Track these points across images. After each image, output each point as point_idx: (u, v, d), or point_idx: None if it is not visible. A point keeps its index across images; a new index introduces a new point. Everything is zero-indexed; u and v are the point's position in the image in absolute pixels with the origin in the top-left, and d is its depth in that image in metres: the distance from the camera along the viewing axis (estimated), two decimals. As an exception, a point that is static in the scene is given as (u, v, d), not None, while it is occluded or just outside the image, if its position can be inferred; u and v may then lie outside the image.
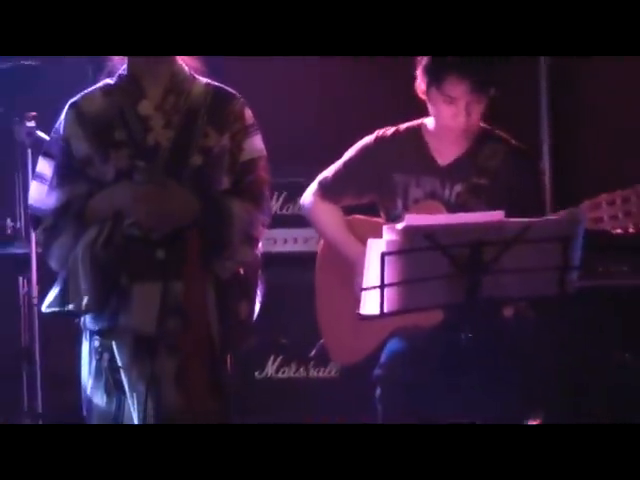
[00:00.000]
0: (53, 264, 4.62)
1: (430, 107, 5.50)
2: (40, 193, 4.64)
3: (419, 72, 5.47)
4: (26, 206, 5.41)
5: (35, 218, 4.70)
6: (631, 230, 4.93)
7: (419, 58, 5.53)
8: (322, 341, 5.84)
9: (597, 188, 5.17)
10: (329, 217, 5.66)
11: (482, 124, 5.56)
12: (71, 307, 4.47)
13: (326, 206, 5.65)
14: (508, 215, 4.78)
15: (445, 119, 5.41)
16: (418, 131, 5.61)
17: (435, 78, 5.37)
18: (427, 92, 5.44)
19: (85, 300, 4.43)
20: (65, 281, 4.50)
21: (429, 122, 5.56)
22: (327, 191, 5.63)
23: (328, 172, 5.67)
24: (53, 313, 4.57)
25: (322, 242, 5.80)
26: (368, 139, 5.65)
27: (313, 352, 5.92)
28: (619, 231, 4.93)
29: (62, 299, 4.48)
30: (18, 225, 5.99)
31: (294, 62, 7.02)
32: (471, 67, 5.37)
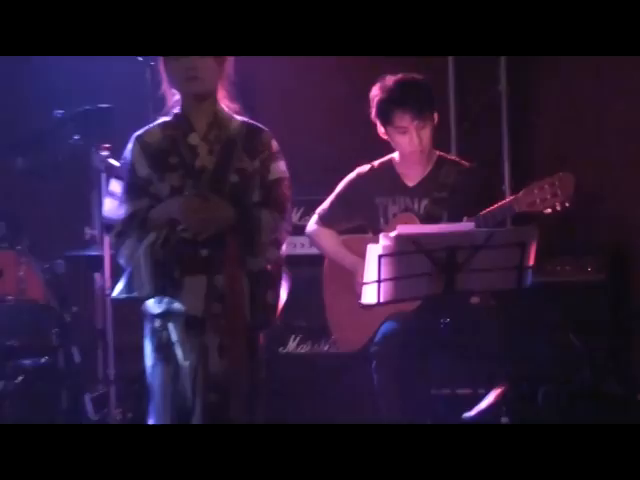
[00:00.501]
0: (122, 261, 4.60)
1: (392, 142, 5.51)
2: (112, 207, 4.62)
3: (374, 118, 5.52)
4: (100, 217, 5.37)
5: (108, 226, 4.71)
6: (558, 208, 4.96)
7: (372, 100, 5.55)
8: (333, 337, 5.90)
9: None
10: (328, 239, 5.69)
11: (438, 152, 5.58)
12: (135, 294, 4.52)
13: (325, 231, 5.68)
14: (466, 216, 5.07)
15: (404, 147, 5.43)
16: (389, 163, 5.62)
17: (386, 117, 5.42)
18: (386, 131, 5.48)
19: (146, 289, 4.48)
20: (131, 274, 4.53)
21: (396, 155, 5.57)
22: (325, 220, 5.66)
23: (324, 205, 5.71)
24: (121, 300, 4.62)
25: (326, 260, 5.78)
26: (351, 176, 5.68)
27: (327, 347, 6.10)
28: (549, 210, 4.97)
29: (129, 288, 4.52)
30: (95, 233, 5.87)
31: (309, 92, 6.84)
32: (410, 99, 5.41)
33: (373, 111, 5.49)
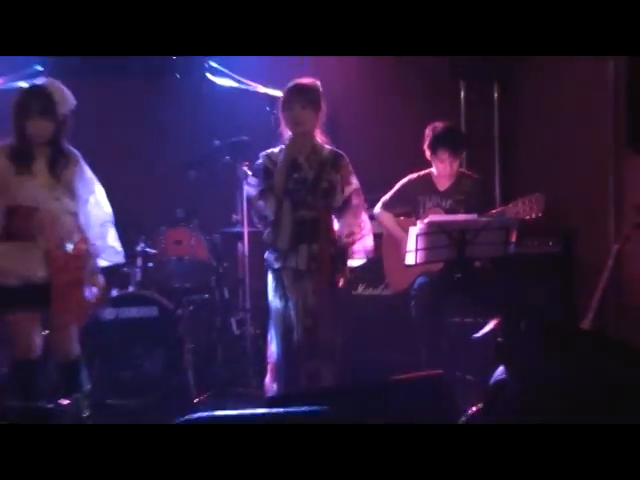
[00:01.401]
0: (267, 213, 4.46)
1: (433, 164, 5.40)
2: (250, 189, 4.77)
3: (426, 147, 5.37)
4: (242, 208, 5.56)
5: (249, 198, 4.80)
6: (533, 217, 4.90)
7: (426, 136, 5.41)
8: (386, 282, 5.82)
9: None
10: (387, 219, 5.54)
11: (460, 169, 5.48)
12: (278, 246, 4.46)
13: (386, 214, 5.54)
14: (476, 212, 4.93)
15: (440, 170, 5.38)
16: (429, 174, 5.46)
17: (433, 150, 5.33)
18: (431, 157, 5.38)
19: (285, 244, 4.40)
20: (275, 232, 4.47)
21: (434, 170, 5.42)
22: (386, 206, 5.53)
23: (386, 197, 5.53)
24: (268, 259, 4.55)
25: (384, 232, 5.58)
26: (404, 180, 5.50)
27: (382, 291, 5.90)
28: (528, 217, 4.91)
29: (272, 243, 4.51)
30: (238, 217, 5.70)
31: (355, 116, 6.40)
32: (450, 143, 5.33)
33: (426, 144, 5.38)
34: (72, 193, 4.25)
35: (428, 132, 5.44)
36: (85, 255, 4.25)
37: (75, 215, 4.25)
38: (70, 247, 4.19)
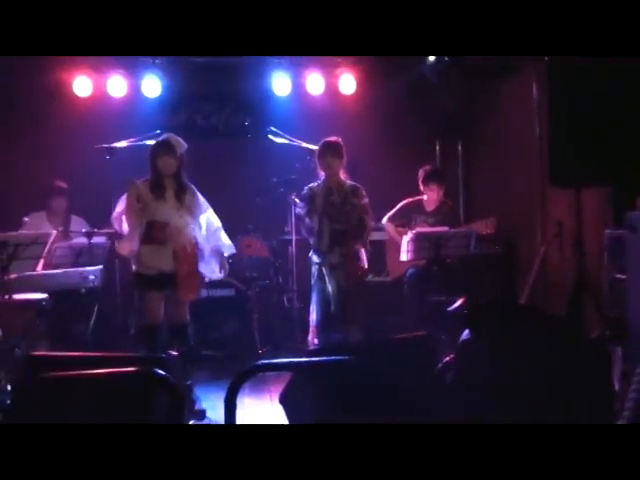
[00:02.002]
0: (307, 226, 4.53)
1: (424, 192, 5.33)
2: (299, 210, 4.65)
3: (420, 181, 5.31)
4: (291, 223, 5.53)
5: (299, 215, 4.70)
6: (488, 232, 4.93)
7: (419, 174, 5.32)
8: (387, 271, 5.67)
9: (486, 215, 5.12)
10: (390, 228, 5.37)
11: (442, 198, 5.38)
12: (320, 249, 4.46)
13: (389, 224, 5.38)
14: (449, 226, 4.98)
15: (429, 196, 5.31)
16: (421, 199, 5.37)
17: (425, 184, 5.31)
18: (423, 188, 5.32)
19: (325, 246, 4.43)
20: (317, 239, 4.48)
21: (424, 197, 5.34)
22: (389, 219, 5.37)
23: (390, 213, 5.36)
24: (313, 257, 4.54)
25: (388, 236, 5.47)
26: (403, 202, 5.36)
27: (385, 277, 5.78)
28: (484, 233, 4.92)
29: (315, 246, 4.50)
30: (289, 229, 5.68)
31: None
32: (437, 179, 5.31)
33: (420, 180, 5.33)
34: (190, 212, 4.23)
35: (421, 172, 5.40)
36: (197, 254, 4.24)
37: (192, 228, 4.24)
38: (189, 249, 4.19)
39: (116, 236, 4.49)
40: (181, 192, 4.21)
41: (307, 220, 4.51)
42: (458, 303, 4.83)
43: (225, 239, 4.44)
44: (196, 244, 4.23)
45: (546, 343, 2.22)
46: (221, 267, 4.36)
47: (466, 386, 2.18)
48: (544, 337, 2.25)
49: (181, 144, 4.22)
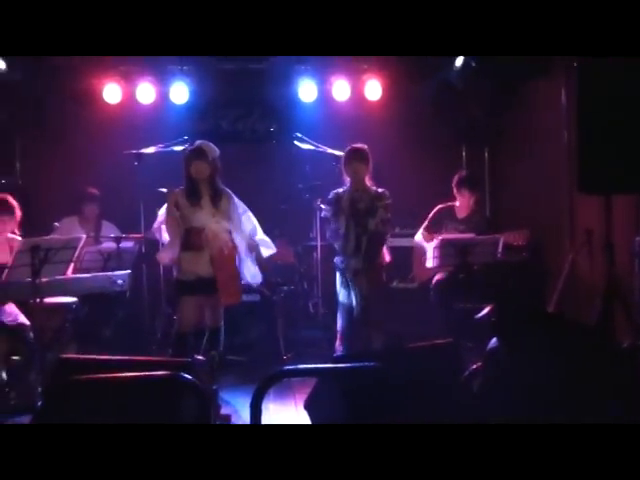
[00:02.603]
0: (334, 241, 4.55)
1: (457, 198, 5.26)
2: (326, 213, 4.62)
3: (455, 185, 5.25)
4: (316, 229, 5.54)
5: (324, 219, 4.71)
6: (520, 243, 4.89)
7: (454, 179, 5.26)
8: (413, 276, 5.55)
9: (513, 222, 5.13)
10: (420, 237, 5.23)
11: (474, 206, 5.31)
12: (344, 253, 4.44)
13: (420, 234, 5.24)
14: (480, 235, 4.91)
15: (461, 203, 5.26)
16: (452, 205, 5.29)
17: (458, 189, 5.25)
18: (456, 193, 5.25)
19: (351, 249, 4.41)
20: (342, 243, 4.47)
21: (457, 203, 5.27)
22: (425, 229, 5.21)
23: (425, 224, 5.25)
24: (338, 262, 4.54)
25: (415, 241, 5.30)
26: (435, 209, 5.28)
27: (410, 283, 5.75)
28: (516, 244, 4.88)
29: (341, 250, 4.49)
30: (313, 235, 5.72)
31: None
32: (470, 185, 5.26)
33: (454, 185, 5.27)
34: (227, 217, 4.26)
35: (456, 177, 5.35)
36: (235, 258, 4.27)
37: (229, 232, 4.26)
38: (227, 253, 4.22)
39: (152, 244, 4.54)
40: (216, 197, 4.25)
41: (333, 223, 4.50)
42: (486, 311, 4.71)
43: (265, 240, 4.46)
44: (235, 248, 4.26)
45: (576, 352, 2.19)
46: (261, 270, 4.38)
47: (494, 394, 2.14)
48: (574, 346, 2.22)
49: (213, 149, 4.26)
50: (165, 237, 4.27)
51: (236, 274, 4.28)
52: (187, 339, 4.27)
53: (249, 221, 4.40)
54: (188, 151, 4.31)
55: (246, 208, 4.40)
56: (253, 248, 4.37)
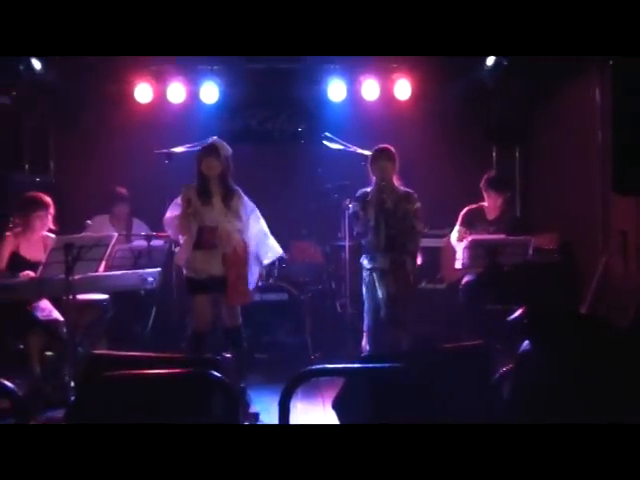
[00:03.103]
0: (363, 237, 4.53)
1: (486, 199, 5.22)
2: (353, 210, 4.60)
3: (482, 187, 5.22)
4: (345, 229, 5.47)
5: (352, 214, 4.68)
6: (551, 247, 4.87)
7: (482, 184, 5.21)
8: (441, 276, 5.58)
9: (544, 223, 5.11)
10: (453, 235, 5.12)
11: (505, 207, 5.27)
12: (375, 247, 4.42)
13: (451, 236, 5.15)
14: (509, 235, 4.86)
15: (490, 204, 5.21)
16: (482, 206, 5.24)
17: (486, 189, 5.20)
18: (484, 193, 5.21)
19: (382, 246, 4.38)
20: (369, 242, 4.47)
21: (485, 204, 5.21)
22: (458, 231, 5.07)
23: (457, 227, 5.19)
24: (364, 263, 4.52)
25: (451, 242, 5.17)
26: (465, 209, 5.22)
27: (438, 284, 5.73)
28: (546, 247, 4.87)
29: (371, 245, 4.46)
30: (341, 235, 5.66)
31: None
32: (499, 186, 5.21)
33: (482, 186, 5.23)
34: (238, 216, 4.23)
35: (484, 179, 5.30)
36: (247, 257, 4.26)
37: (240, 231, 4.24)
38: (239, 252, 4.20)
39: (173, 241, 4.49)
40: (227, 196, 4.22)
41: (362, 217, 4.46)
42: (518, 313, 4.71)
43: (272, 243, 4.42)
44: (246, 247, 4.24)
45: (610, 355, 2.16)
46: (259, 276, 4.33)
47: (526, 397, 2.12)
48: (608, 349, 2.18)
49: (225, 148, 4.23)
50: (177, 233, 4.23)
51: (246, 274, 4.25)
52: (204, 338, 4.26)
53: (257, 223, 4.35)
54: (200, 148, 4.29)
55: (254, 207, 4.35)
56: (255, 253, 4.32)
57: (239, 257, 4.19)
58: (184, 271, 4.28)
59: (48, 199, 4.53)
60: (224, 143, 4.27)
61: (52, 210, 4.53)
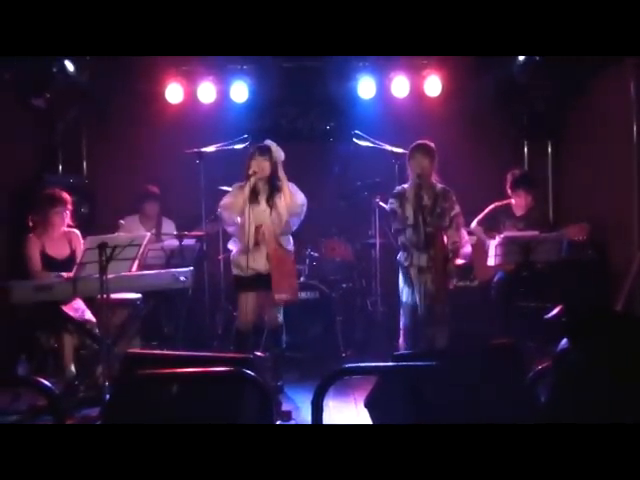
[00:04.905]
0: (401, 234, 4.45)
1: (512, 197, 5.19)
2: (392, 213, 4.48)
3: (508, 187, 5.19)
4: (375, 226, 5.44)
5: (390, 222, 4.59)
6: (581, 238, 4.78)
7: (507, 179, 5.20)
8: (474, 275, 5.51)
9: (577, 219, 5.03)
10: (479, 231, 5.19)
11: (532, 203, 5.20)
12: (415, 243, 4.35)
13: (478, 228, 5.20)
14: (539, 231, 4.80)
15: (517, 202, 5.19)
16: (509, 203, 5.22)
17: (513, 189, 5.17)
18: (511, 193, 5.19)
19: (422, 244, 4.33)
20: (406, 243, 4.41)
21: (513, 201, 5.19)
22: (479, 223, 5.20)
23: (479, 217, 5.21)
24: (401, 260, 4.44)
25: (476, 240, 5.19)
26: (491, 206, 5.23)
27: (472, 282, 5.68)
28: (576, 239, 4.79)
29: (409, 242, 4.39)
30: (372, 232, 5.61)
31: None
32: (525, 185, 5.17)
33: (508, 185, 5.22)
34: (283, 215, 4.30)
35: (509, 176, 5.28)
36: (291, 255, 4.35)
37: (284, 231, 4.33)
38: (283, 250, 4.29)
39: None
40: (273, 195, 4.29)
41: (400, 214, 4.42)
42: (556, 311, 4.63)
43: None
44: (288, 245, 4.30)
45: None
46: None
47: (566, 396, 2.09)
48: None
49: (278, 151, 4.33)
50: (228, 217, 4.28)
51: (292, 272, 4.32)
52: (248, 336, 4.31)
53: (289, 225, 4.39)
54: (254, 147, 4.36)
55: (301, 209, 4.37)
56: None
57: (283, 255, 4.27)
58: (233, 269, 4.38)
59: (65, 195, 4.56)
60: (278, 147, 4.37)
61: (70, 206, 4.58)
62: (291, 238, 4.47)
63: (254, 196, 4.26)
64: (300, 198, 4.35)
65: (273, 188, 4.30)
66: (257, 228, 4.24)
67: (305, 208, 4.38)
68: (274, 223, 4.27)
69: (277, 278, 4.23)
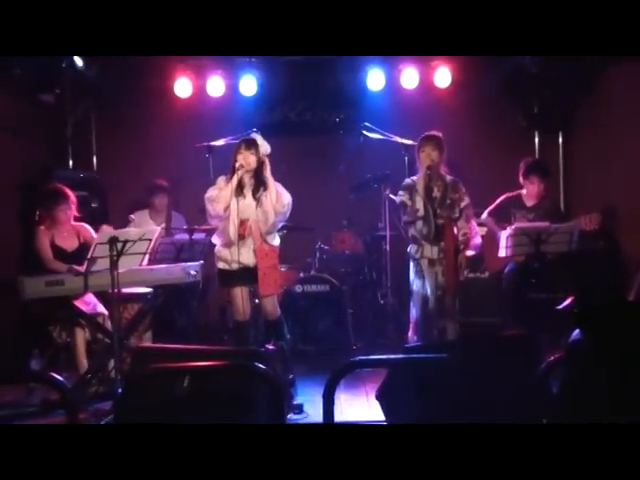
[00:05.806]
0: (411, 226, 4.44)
1: (524, 186, 5.14)
2: (402, 205, 4.45)
3: (521, 175, 5.14)
4: (385, 219, 5.43)
5: (400, 213, 4.56)
6: (592, 228, 4.75)
7: (520, 167, 5.15)
8: (485, 266, 5.47)
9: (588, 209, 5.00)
10: (490, 222, 5.13)
11: (543, 193, 5.16)
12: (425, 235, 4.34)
13: (488, 218, 5.14)
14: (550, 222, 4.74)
15: (529, 191, 5.15)
16: (520, 193, 5.17)
17: (526, 177, 5.13)
18: (523, 181, 5.14)
19: (431, 237, 4.33)
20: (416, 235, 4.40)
21: (524, 191, 5.15)
22: (489, 214, 5.15)
23: (490, 208, 5.18)
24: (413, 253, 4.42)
25: (486, 232, 5.18)
26: (502, 197, 5.17)
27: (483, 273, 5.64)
28: (588, 229, 4.76)
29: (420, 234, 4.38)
30: (382, 225, 5.57)
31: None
32: (539, 172, 5.13)
33: (521, 172, 5.17)
34: (268, 209, 4.24)
35: (522, 164, 5.24)
36: (277, 250, 4.33)
37: (269, 226, 4.28)
38: (267, 244, 4.27)
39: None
40: (259, 190, 4.25)
41: (410, 206, 4.41)
42: (568, 302, 4.63)
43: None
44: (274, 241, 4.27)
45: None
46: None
47: (579, 388, 2.08)
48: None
49: (264, 144, 4.27)
50: (214, 208, 4.24)
51: (276, 266, 4.31)
52: (246, 329, 4.31)
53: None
54: (240, 140, 4.31)
55: (286, 205, 4.29)
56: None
57: (269, 251, 4.26)
58: (216, 263, 4.34)
59: (67, 190, 4.60)
60: (264, 140, 4.30)
61: (73, 199, 4.61)
62: (277, 235, 4.43)
63: (240, 189, 4.22)
64: (286, 198, 4.29)
65: (259, 182, 4.25)
66: (242, 221, 4.22)
67: (290, 207, 4.31)
68: (260, 220, 4.23)
69: (263, 273, 4.21)
